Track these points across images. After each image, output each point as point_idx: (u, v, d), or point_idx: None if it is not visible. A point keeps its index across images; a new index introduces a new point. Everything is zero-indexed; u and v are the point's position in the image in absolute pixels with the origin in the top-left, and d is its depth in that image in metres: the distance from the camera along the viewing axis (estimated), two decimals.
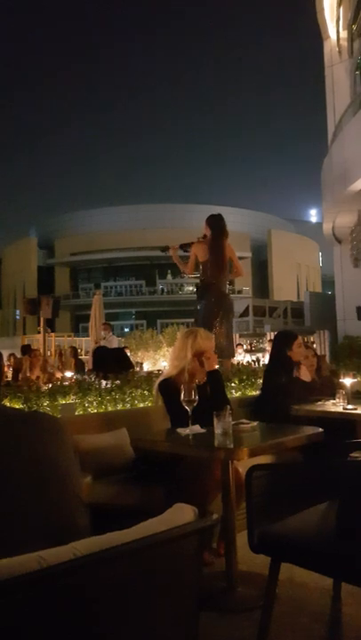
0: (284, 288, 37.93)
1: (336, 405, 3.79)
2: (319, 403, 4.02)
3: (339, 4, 18.46)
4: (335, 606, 2.38)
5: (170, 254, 5.58)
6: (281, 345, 4.17)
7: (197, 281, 5.58)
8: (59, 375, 7.61)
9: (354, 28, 17.93)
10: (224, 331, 5.32)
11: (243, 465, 2.67)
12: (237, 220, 40.29)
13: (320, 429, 2.89)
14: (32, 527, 1.43)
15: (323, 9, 18.99)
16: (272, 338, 14.28)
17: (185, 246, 5.54)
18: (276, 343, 4.31)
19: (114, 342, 11.11)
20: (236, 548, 2.59)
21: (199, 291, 5.37)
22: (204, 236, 5.37)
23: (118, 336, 25.11)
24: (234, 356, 6.32)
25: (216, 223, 5.37)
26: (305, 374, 4.22)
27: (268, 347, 15.27)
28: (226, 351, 5.41)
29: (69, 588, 1.10)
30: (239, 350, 14.82)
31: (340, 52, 18.89)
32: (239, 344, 16.11)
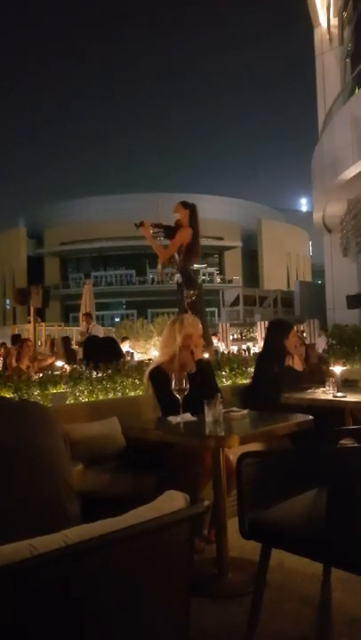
0: (275, 277, 38.01)
1: (326, 393, 3.81)
2: (309, 391, 4.04)
3: None
4: (325, 591, 2.40)
5: (142, 232, 5.31)
6: (277, 334, 4.17)
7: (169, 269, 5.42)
8: (49, 360, 7.59)
9: (344, 15, 17.83)
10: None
11: (233, 452, 2.68)
12: (227, 210, 40.27)
13: (310, 417, 2.90)
14: (22, 514, 1.43)
15: None
16: (263, 327, 14.34)
17: (157, 227, 5.35)
18: (271, 332, 4.30)
19: (100, 332, 11.08)
20: (226, 535, 2.61)
21: (186, 279, 5.18)
22: (179, 222, 5.22)
23: (109, 326, 25.08)
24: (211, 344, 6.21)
25: (195, 210, 5.25)
26: (298, 364, 4.23)
27: (258, 336, 15.34)
28: (209, 338, 5.44)
29: (61, 576, 1.11)
30: (215, 340, 14.87)
31: (330, 39, 18.78)
32: (215, 333, 16.15)
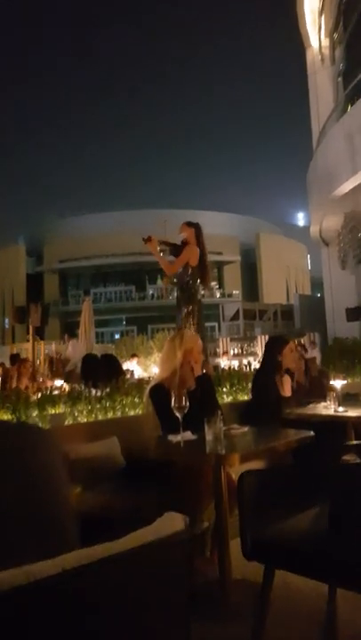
0: (274, 291, 38.10)
1: (327, 408, 3.80)
2: (310, 405, 4.03)
3: (320, 13, 18.72)
4: (330, 612, 2.36)
5: (149, 247, 5.29)
6: (272, 350, 4.19)
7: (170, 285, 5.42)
8: (49, 383, 7.56)
9: (335, 36, 18.17)
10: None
11: (235, 470, 2.65)
12: (226, 224, 40.47)
13: (311, 433, 2.88)
14: (21, 537, 1.41)
15: (304, 18, 19.26)
16: (264, 341, 14.31)
17: (163, 244, 5.36)
18: (267, 348, 4.33)
19: (78, 347, 11.01)
20: (229, 556, 2.57)
21: (186, 295, 5.16)
22: (185, 240, 5.23)
23: (109, 342, 25.01)
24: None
25: (200, 229, 5.29)
26: (286, 387, 4.16)
27: (259, 350, 15.33)
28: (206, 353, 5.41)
29: (58, 601, 1.09)
30: (224, 358, 14.84)
31: (322, 59, 19.12)
32: (225, 352, 16.15)
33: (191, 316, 5.08)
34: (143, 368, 12.46)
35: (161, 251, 5.37)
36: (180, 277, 5.20)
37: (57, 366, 10.69)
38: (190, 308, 5.11)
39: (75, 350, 11.04)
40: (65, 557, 1.14)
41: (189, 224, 5.30)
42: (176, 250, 5.29)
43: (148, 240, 5.26)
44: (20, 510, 1.44)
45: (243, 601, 2.52)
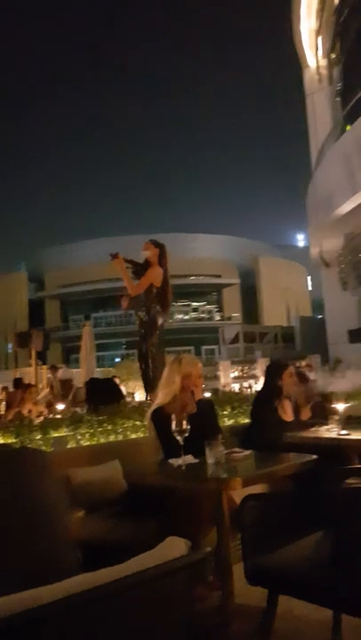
0: (274, 313, 38.12)
1: (330, 431, 3.78)
2: (313, 429, 4.01)
3: (317, 34, 19.07)
4: (335, 639, 2.32)
5: (116, 264, 5.02)
6: (272, 375, 4.20)
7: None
8: (54, 406, 7.56)
9: (332, 56, 18.50)
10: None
11: (238, 494, 2.64)
12: (225, 247, 40.78)
13: (314, 456, 2.87)
14: (18, 566, 1.41)
15: (301, 39, 19.63)
16: (264, 364, 14.26)
17: (127, 262, 5.09)
18: (267, 373, 4.35)
19: (71, 374, 11.11)
20: (232, 581, 2.53)
21: (148, 319, 4.92)
22: (148, 260, 5.00)
23: (109, 367, 24.99)
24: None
25: (165, 251, 5.03)
26: (288, 412, 4.16)
27: (259, 372, 15.27)
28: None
29: (60, 627, 1.09)
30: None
31: (320, 79, 19.45)
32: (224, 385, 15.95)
33: (152, 342, 4.89)
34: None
35: (128, 267, 5.08)
36: (142, 300, 4.97)
37: (57, 390, 10.69)
38: (151, 332, 4.91)
39: (67, 374, 11.15)
40: (67, 583, 1.14)
41: (155, 243, 5.05)
42: (138, 270, 5.05)
43: (115, 257, 5.03)
44: (16, 539, 1.44)
45: (245, 627, 2.48)
